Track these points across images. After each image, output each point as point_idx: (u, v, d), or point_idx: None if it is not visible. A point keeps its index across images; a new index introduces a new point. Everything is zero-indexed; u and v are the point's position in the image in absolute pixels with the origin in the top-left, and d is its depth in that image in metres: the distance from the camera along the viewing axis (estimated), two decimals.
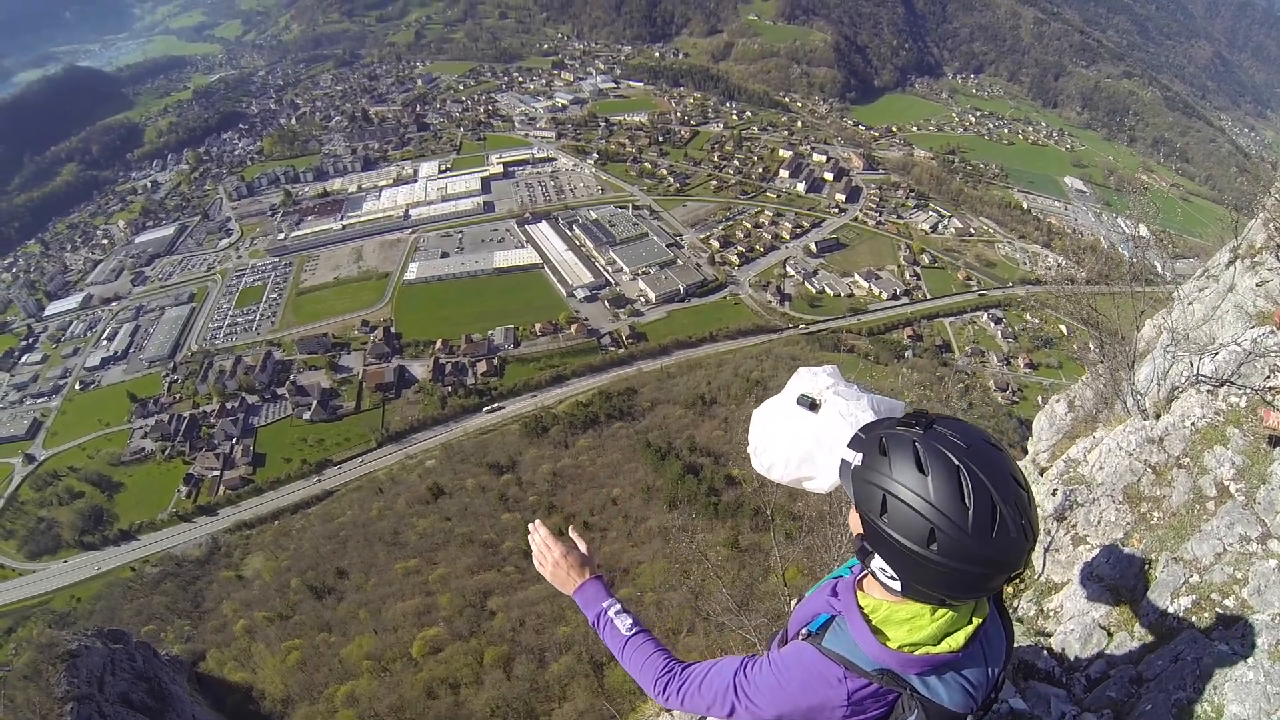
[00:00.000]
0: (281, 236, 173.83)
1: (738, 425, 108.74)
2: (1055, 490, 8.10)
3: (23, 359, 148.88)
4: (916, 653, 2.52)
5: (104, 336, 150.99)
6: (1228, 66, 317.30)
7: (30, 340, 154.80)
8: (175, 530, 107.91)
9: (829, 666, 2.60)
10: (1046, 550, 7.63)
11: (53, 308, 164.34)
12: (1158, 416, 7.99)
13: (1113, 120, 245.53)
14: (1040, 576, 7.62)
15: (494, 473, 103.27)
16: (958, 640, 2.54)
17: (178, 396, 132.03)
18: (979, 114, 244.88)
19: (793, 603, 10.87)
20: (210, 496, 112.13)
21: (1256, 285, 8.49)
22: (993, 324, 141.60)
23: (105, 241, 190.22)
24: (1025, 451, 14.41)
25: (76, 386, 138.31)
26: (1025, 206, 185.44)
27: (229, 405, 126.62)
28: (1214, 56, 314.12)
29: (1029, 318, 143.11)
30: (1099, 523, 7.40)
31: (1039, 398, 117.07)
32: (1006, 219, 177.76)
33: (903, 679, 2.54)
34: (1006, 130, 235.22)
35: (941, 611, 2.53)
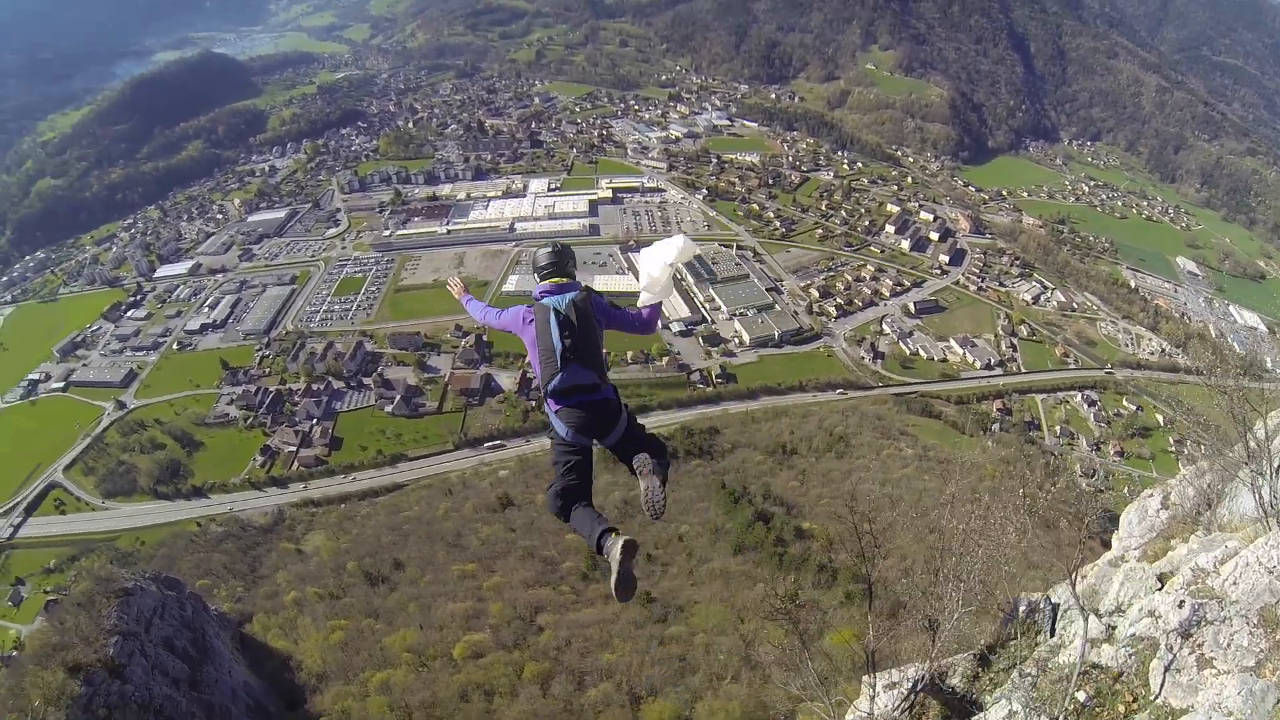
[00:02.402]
0: (387, 233, 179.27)
1: (815, 479, 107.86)
2: (1182, 602, 7.44)
3: (128, 313, 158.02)
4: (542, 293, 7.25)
5: (206, 304, 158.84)
6: None
7: (138, 298, 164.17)
8: (245, 496, 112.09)
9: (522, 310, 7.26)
10: (1167, 669, 7.02)
11: (163, 270, 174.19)
12: None
13: (1233, 199, 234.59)
14: (1157, 698, 7.00)
15: None
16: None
17: (267, 371, 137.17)
18: (1093, 183, 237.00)
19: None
20: (284, 470, 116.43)
21: None
22: (1086, 405, 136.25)
23: (219, 216, 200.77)
24: (1107, 546, 13.78)
25: (174, 346, 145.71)
26: (1133, 285, 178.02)
27: (315, 387, 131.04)
28: None
29: (1126, 403, 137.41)
30: (1229, 646, 6.75)
31: (1126, 489, 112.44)
32: (1112, 296, 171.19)
33: (535, 298, 7.13)
34: (1120, 203, 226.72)
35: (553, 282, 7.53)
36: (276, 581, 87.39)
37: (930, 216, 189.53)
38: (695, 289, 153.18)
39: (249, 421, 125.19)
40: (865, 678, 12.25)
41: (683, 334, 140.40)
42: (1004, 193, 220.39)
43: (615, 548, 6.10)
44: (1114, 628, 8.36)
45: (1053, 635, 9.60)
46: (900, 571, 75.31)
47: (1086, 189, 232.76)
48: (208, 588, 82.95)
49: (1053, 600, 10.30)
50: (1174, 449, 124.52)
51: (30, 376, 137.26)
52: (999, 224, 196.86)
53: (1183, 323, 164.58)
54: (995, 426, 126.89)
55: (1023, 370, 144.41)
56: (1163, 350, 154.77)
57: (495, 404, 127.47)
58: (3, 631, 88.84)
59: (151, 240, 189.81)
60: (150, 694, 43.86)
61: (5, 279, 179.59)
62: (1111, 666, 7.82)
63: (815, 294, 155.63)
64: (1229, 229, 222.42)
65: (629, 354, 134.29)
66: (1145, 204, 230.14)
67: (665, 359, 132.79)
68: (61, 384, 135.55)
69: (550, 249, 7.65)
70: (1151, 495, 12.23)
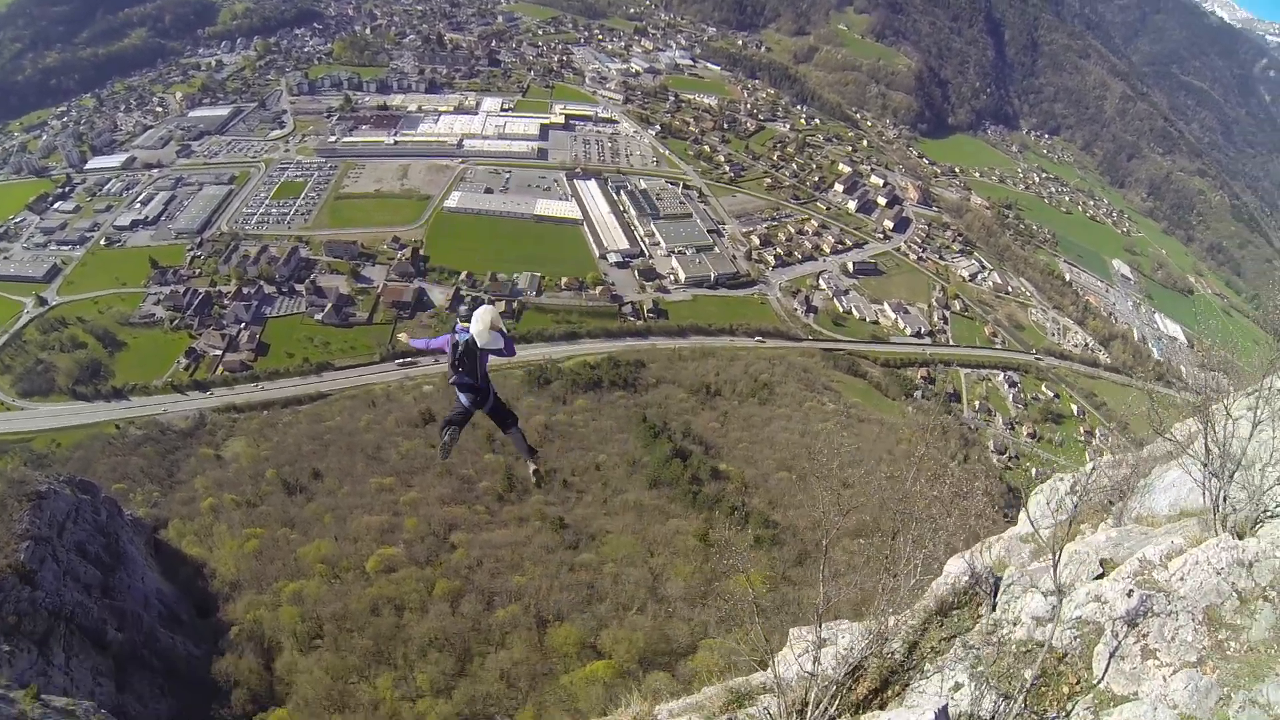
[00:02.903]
0: (333, 139, 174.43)
1: (736, 422, 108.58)
2: (1131, 591, 7.57)
3: (55, 205, 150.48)
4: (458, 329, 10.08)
5: (139, 199, 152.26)
6: None
7: (66, 189, 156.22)
8: (166, 399, 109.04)
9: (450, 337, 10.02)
10: (1112, 656, 7.13)
11: (95, 162, 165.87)
12: (1241, 536, 7.73)
13: (1176, 214, 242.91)
14: (1100, 683, 7.11)
15: None
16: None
17: (197, 271, 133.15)
18: (1044, 175, 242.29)
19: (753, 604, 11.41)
20: (208, 374, 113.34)
21: None
22: (1007, 385, 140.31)
23: (159, 109, 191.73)
24: (1011, 521, 14.13)
25: (102, 242, 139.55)
26: (1068, 278, 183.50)
27: (245, 290, 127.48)
28: None
29: (1044, 389, 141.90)
30: (1174, 640, 6.89)
31: (1033, 469, 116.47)
32: (1046, 286, 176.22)
33: (454, 330, 10.02)
34: (1068, 198, 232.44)
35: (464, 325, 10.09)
36: (194, 487, 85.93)
37: (880, 181, 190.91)
38: (636, 222, 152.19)
39: (175, 323, 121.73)
40: (793, 630, 12.25)
41: (619, 265, 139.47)
42: (956, 170, 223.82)
43: (450, 429, 10.76)
44: (1057, 607, 8.52)
45: (994, 610, 9.69)
46: (809, 522, 75.99)
47: (1037, 179, 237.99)
48: (124, 492, 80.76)
49: (995, 573, 10.54)
50: (1083, 439, 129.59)
51: None
52: (947, 199, 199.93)
53: (1109, 321, 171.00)
54: (918, 394, 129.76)
55: (951, 343, 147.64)
56: (1086, 344, 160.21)
57: (426, 318, 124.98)
58: None
59: (85, 130, 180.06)
60: (61, 600, 43.78)
61: None
62: (1057, 647, 7.92)
63: (756, 241, 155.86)
64: (1167, 241, 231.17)
65: (563, 279, 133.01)
66: (1091, 203, 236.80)
67: (599, 288, 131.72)
68: None
69: (468, 307, 16.09)
70: (1061, 479, 12.81)
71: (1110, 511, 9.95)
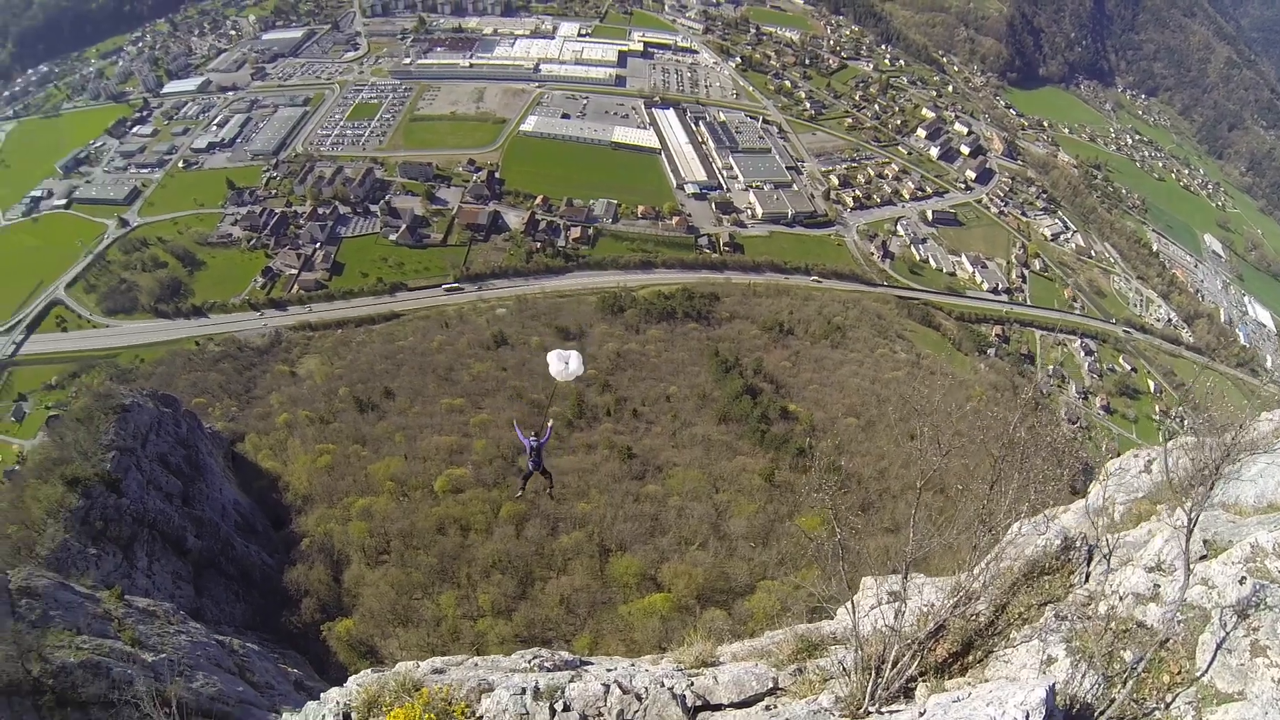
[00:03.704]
0: (408, 61, 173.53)
1: (808, 363, 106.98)
2: (1243, 579, 6.88)
3: (134, 129, 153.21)
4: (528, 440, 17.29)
5: (215, 122, 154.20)
6: None
7: (144, 113, 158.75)
8: (244, 316, 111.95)
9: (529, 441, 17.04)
10: (1219, 647, 6.41)
11: (171, 86, 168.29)
12: None
13: (1276, 192, 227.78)
14: (1203, 676, 6.40)
15: (560, 336, 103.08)
16: None
17: (274, 192, 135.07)
18: (1137, 137, 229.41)
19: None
20: (284, 292, 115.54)
21: None
22: (1083, 353, 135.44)
23: (233, 33, 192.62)
24: (1076, 493, 13.48)
25: (180, 164, 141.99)
26: (1155, 248, 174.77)
27: (320, 210, 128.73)
28: None
29: (1122, 361, 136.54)
30: None
31: (1104, 443, 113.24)
32: (1132, 254, 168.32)
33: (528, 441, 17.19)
34: (1161, 164, 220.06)
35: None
36: (269, 403, 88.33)
37: (964, 130, 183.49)
38: (715, 155, 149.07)
39: (252, 242, 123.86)
40: (866, 578, 11.62)
41: (696, 197, 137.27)
42: (1044, 123, 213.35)
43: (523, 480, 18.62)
44: (1159, 586, 7.99)
45: (1087, 580, 9.09)
46: (876, 471, 74.76)
47: (1130, 141, 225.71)
48: (203, 406, 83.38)
49: (1089, 540, 9.93)
50: (1158, 417, 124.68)
51: (32, 193, 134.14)
52: (1033, 153, 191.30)
53: (1195, 298, 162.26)
54: (991, 351, 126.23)
55: (1029, 303, 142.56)
56: (1169, 320, 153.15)
57: (500, 241, 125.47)
58: (5, 447, 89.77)
59: (160, 55, 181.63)
60: (144, 507, 44.88)
61: (7, 94, 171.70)
62: (1157, 629, 7.39)
63: (835, 181, 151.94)
64: (1264, 221, 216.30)
65: (639, 208, 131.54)
66: (1186, 172, 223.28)
67: (676, 218, 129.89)
68: (64, 201, 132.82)
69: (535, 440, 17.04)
70: (1136, 456, 12.24)
71: (1190, 495, 8.92)
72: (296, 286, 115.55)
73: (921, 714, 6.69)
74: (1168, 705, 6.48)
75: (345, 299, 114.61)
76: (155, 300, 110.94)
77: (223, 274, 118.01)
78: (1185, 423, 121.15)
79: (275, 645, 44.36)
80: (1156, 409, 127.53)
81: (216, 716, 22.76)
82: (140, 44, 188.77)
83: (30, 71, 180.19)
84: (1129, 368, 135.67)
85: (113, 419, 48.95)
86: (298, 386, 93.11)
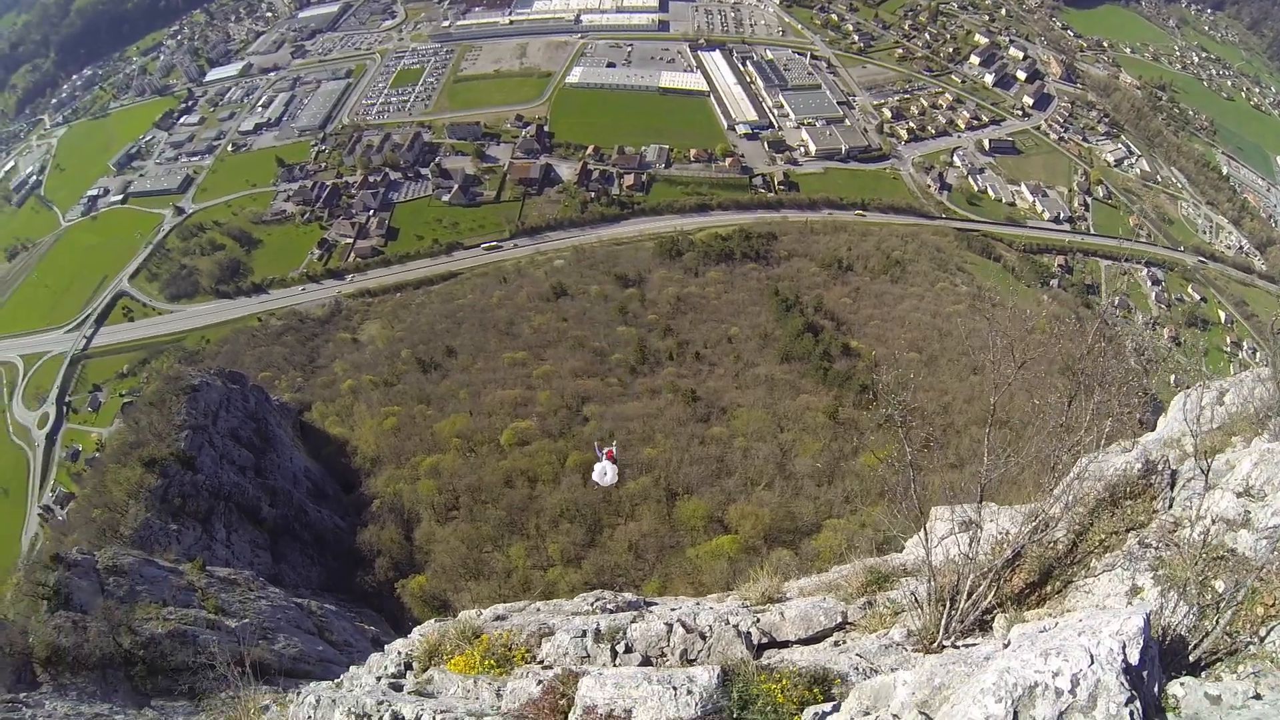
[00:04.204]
0: (446, 24, 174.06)
1: (868, 299, 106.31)
2: None
3: (181, 120, 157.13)
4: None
5: (259, 103, 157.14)
6: None
7: (189, 103, 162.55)
8: (303, 289, 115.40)
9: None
10: None
11: (213, 74, 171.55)
12: None
13: None
14: None
15: (619, 284, 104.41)
16: None
17: (323, 165, 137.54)
18: (1204, 55, 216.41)
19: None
20: (340, 262, 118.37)
21: None
22: (1150, 283, 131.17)
23: (269, 14, 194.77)
24: (1144, 425, 13.02)
25: (229, 148, 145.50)
26: (1225, 172, 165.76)
27: (371, 179, 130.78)
28: None
29: (1191, 290, 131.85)
30: None
31: (1172, 377, 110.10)
32: (1200, 178, 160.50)
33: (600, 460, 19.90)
34: (1230, 83, 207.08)
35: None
36: (334, 371, 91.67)
37: (1020, 54, 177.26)
38: (764, 94, 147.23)
39: (306, 216, 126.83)
40: (935, 508, 11.33)
41: (748, 137, 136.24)
42: (1104, 44, 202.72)
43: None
44: (1249, 512, 7.51)
45: (1171, 506, 8.67)
46: (939, 406, 74.47)
47: (1196, 59, 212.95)
48: (269, 379, 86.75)
49: (1172, 465, 9.46)
50: (1229, 349, 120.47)
51: (89, 193, 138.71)
52: (1093, 76, 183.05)
53: (1268, 224, 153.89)
54: (1054, 282, 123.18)
55: (1092, 232, 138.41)
56: (1240, 247, 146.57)
57: (554, 194, 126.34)
58: (85, 436, 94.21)
59: (199, 44, 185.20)
60: (219, 481, 47.59)
61: (54, 101, 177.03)
62: (1251, 557, 7.03)
63: (888, 114, 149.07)
64: None
65: (691, 151, 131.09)
66: (1257, 90, 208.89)
67: (729, 160, 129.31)
68: (120, 196, 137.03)
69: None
70: (1207, 388, 11.76)
71: (1267, 426, 8.88)
72: (353, 255, 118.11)
73: (1006, 645, 6.26)
74: (1262, 639, 6.16)
75: (402, 263, 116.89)
76: (216, 282, 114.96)
77: (279, 250, 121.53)
78: (1255, 356, 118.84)
79: (351, 605, 46.97)
80: (1228, 340, 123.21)
81: (300, 675, 23.91)
82: (179, 36, 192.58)
83: (75, 77, 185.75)
84: (1198, 297, 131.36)
85: (183, 400, 52.05)
86: (360, 352, 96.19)
